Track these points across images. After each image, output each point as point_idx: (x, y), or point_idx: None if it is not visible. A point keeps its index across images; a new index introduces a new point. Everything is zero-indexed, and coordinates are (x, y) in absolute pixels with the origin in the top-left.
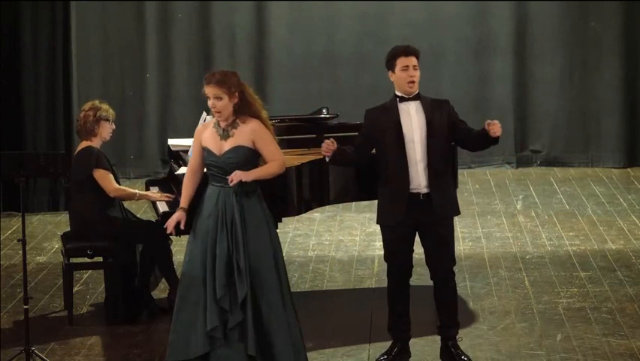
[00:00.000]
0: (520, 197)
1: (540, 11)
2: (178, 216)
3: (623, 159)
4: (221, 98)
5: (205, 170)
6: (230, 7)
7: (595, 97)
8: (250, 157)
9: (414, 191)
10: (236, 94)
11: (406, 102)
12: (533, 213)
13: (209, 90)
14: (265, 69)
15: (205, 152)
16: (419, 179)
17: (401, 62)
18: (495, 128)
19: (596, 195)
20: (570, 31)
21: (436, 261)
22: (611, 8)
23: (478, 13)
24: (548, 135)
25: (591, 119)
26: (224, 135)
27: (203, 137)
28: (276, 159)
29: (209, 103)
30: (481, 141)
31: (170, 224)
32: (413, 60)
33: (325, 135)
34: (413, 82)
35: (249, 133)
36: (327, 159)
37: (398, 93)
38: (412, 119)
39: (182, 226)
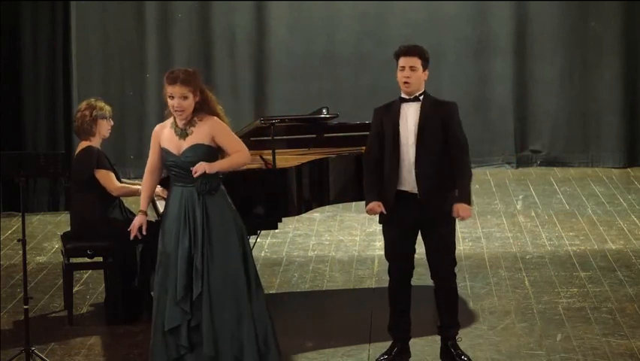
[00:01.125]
0: (520, 197)
1: (540, 11)
2: (139, 220)
3: (623, 159)
4: (186, 98)
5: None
6: (230, 7)
7: (595, 97)
8: (210, 155)
9: (408, 191)
10: (198, 92)
11: (406, 103)
12: (533, 213)
13: (174, 90)
14: (265, 69)
15: (164, 153)
16: (410, 180)
17: (400, 61)
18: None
19: (596, 195)
20: (570, 31)
21: (436, 261)
22: (611, 8)
23: (478, 13)
24: (548, 135)
25: (591, 119)
26: (183, 134)
27: (162, 137)
28: (239, 150)
29: (174, 102)
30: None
31: (132, 229)
32: (411, 61)
33: (325, 135)
34: (407, 82)
35: (208, 130)
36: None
37: (402, 93)
38: (408, 121)
39: (144, 231)
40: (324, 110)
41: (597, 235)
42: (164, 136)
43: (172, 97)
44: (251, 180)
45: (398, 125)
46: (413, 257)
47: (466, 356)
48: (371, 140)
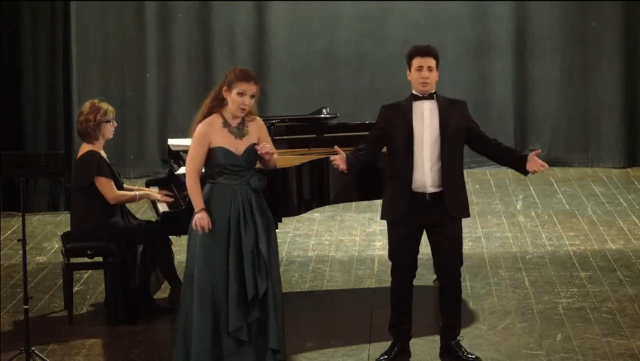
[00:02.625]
0: (520, 197)
1: (540, 11)
2: (205, 217)
3: (623, 159)
4: (254, 96)
5: (205, 170)
6: (230, 7)
7: (595, 97)
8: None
9: (418, 191)
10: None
11: (420, 101)
12: (533, 213)
13: (249, 87)
14: (265, 69)
15: (221, 152)
16: (425, 179)
17: (417, 62)
18: (536, 166)
19: (596, 195)
20: (570, 31)
21: (442, 261)
22: (611, 8)
23: (478, 13)
24: (548, 135)
25: (591, 119)
26: (240, 134)
27: (214, 138)
28: (275, 152)
29: (244, 100)
30: (510, 161)
31: (205, 225)
32: (429, 61)
33: (325, 135)
34: (426, 83)
35: (257, 130)
36: (345, 172)
37: (414, 92)
38: (425, 119)
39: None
40: (324, 110)
41: (597, 235)
42: (219, 137)
43: (242, 94)
44: None
45: (412, 122)
46: (417, 257)
47: (472, 354)
48: (371, 133)
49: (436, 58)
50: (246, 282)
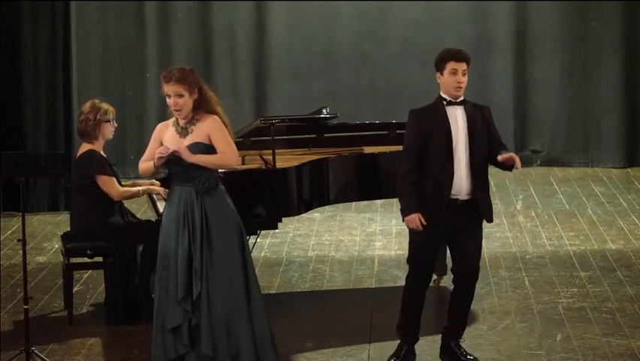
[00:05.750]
0: (520, 197)
1: (540, 11)
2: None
3: (623, 159)
4: (182, 96)
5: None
6: (230, 7)
7: (595, 97)
8: (208, 153)
9: (453, 197)
10: (196, 90)
11: (453, 106)
12: (533, 213)
13: (169, 88)
14: (265, 69)
15: None
16: (461, 185)
17: (451, 65)
18: (513, 161)
19: (596, 195)
20: (570, 31)
21: (467, 265)
22: (611, 8)
23: (478, 13)
24: (548, 135)
25: (591, 119)
26: (183, 133)
27: (164, 136)
28: (225, 151)
29: (170, 101)
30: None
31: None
32: (463, 65)
33: (325, 135)
34: (460, 87)
35: (206, 129)
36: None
37: (444, 96)
38: (459, 125)
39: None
40: (324, 110)
41: (597, 235)
42: (167, 135)
43: (168, 96)
44: (251, 180)
45: (450, 128)
46: (435, 262)
47: (471, 355)
48: (411, 145)
49: (469, 63)
50: (178, 283)
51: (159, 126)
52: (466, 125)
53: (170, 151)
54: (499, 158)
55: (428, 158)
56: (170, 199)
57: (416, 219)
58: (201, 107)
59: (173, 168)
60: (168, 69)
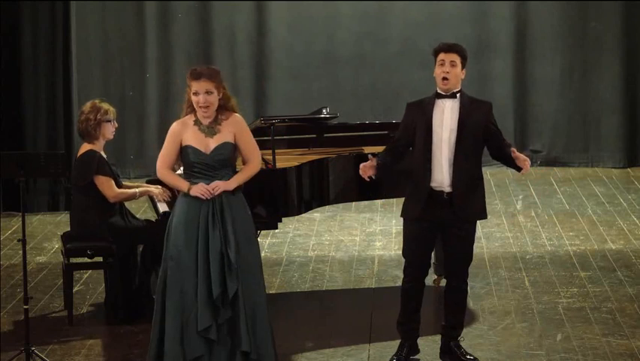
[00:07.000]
0: (520, 197)
1: (540, 11)
2: (200, 185)
3: (623, 159)
4: (211, 93)
5: (181, 170)
6: (230, 7)
7: (595, 97)
8: (233, 152)
9: (437, 189)
10: (221, 89)
11: (442, 99)
12: (533, 213)
13: (199, 85)
14: (265, 69)
15: (189, 151)
16: (443, 178)
17: (440, 57)
18: (525, 166)
19: (596, 195)
20: (570, 31)
21: (451, 261)
22: (611, 8)
23: (478, 13)
24: (548, 135)
25: (591, 119)
26: (210, 132)
27: (185, 136)
28: (254, 158)
29: (199, 98)
30: (509, 163)
31: (204, 190)
32: (451, 56)
33: (325, 135)
34: (446, 78)
35: (232, 127)
36: (374, 177)
37: (437, 89)
38: (445, 118)
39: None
40: (324, 110)
41: (597, 235)
42: (188, 134)
43: (197, 93)
44: (251, 180)
45: (431, 120)
46: (431, 256)
47: (471, 355)
48: (399, 131)
49: (461, 55)
50: (212, 281)
51: (176, 126)
52: (456, 118)
53: (218, 192)
54: (514, 153)
55: (414, 151)
56: (191, 198)
57: (366, 166)
58: (225, 106)
59: (197, 167)
60: (194, 67)
